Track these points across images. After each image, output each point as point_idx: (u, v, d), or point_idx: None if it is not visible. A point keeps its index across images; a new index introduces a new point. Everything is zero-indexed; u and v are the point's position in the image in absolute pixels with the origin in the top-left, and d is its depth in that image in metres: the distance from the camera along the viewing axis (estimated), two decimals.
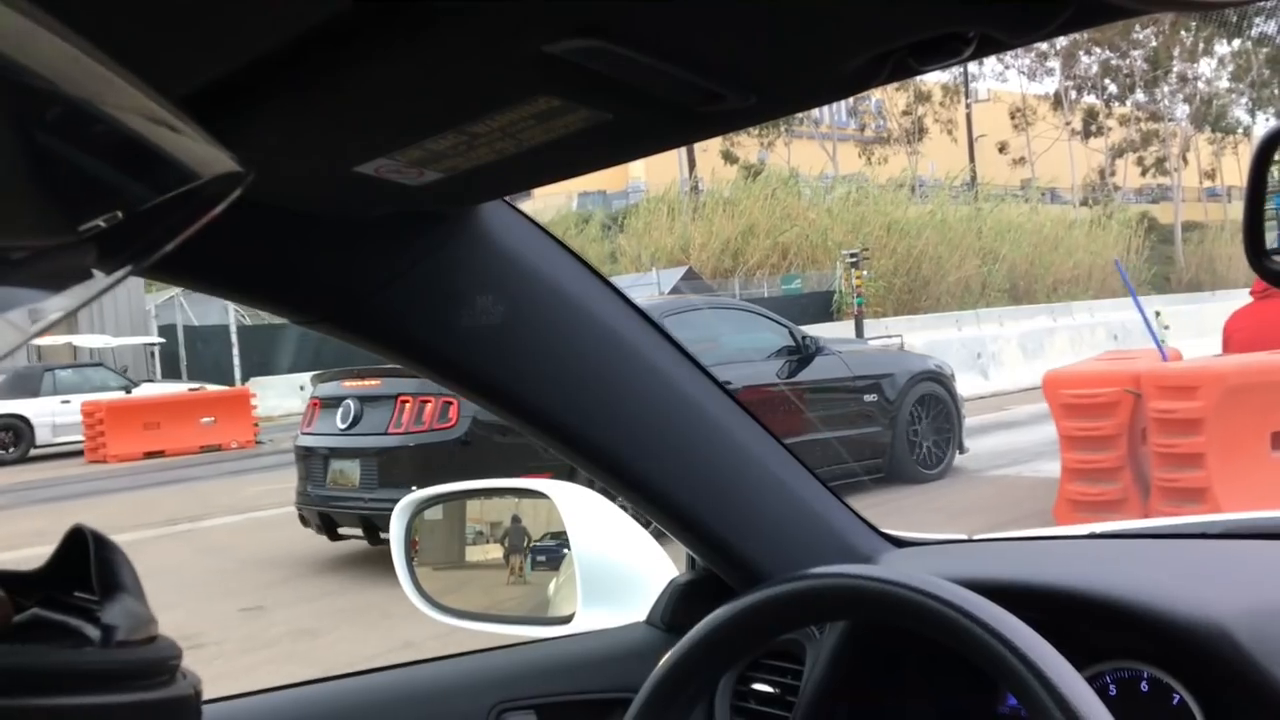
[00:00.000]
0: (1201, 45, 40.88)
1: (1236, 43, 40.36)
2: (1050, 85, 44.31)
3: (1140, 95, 43.05)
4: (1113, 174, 45.51)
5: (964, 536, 1.35)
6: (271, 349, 21.70)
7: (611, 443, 1.11)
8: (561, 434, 1.09)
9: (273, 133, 0.71)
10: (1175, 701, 1.00)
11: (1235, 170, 43.21)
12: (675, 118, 0.69)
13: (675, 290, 21.02)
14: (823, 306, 26.16)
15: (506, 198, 0.99)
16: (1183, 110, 43.10)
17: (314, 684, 1.21)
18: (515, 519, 1.45)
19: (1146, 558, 1.14)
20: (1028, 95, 44.82)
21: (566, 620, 1.33)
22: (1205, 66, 43.48)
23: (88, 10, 0.51)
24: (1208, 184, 47.61)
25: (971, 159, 38.06)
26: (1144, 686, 1.02)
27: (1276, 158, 0.96)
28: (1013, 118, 44.37)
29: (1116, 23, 0.61)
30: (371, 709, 1.19)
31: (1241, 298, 6.82)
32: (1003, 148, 44.61)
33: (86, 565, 0.53)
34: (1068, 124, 43.28)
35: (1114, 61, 42.11)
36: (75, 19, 0.52)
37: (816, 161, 37.02)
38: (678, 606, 1.31)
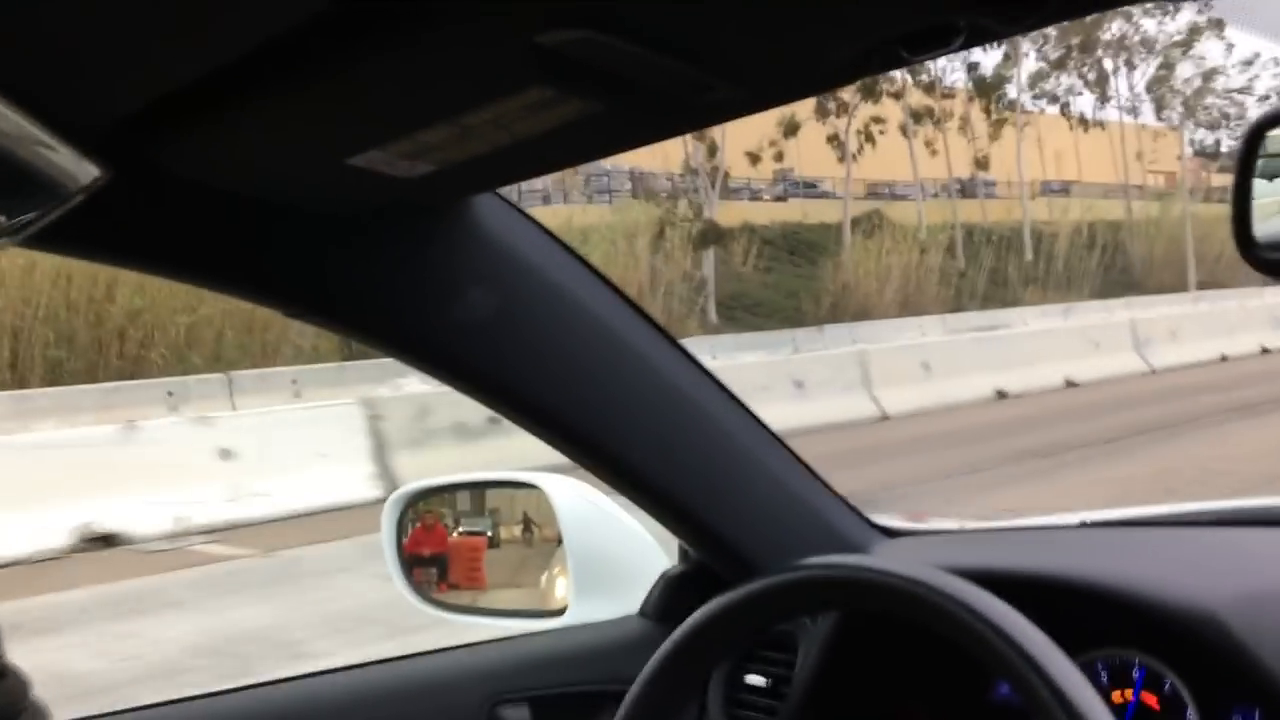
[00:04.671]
0: None
1: None
2: None
3: None
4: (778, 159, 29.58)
5: (955, 526, 1.35)
6: None
7: (603, 435, 1.11)
8: (554, 426, 1.09)
9: (264, 126, 0.70)
10: (1167, 688, 1.00)
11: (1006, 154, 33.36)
12: (667, 108, 0.69)
13: None
14: None
15: (498, 190, 0.99)
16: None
17: (307, 678, 1.21)
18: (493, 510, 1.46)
19: (1138, 546, 1.15)
20: None
21: (559, 613, 1.33)
22: None
23: (81, 5, 0.51)
24: (983, 174, 35.60)
25: None
26: (1136, 674, 1.03)
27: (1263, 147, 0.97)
28: None
29: (1104, 12, 0.61)
30: (365, 703, 1.19)
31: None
32: None
33: None
34: None
35: None
36: (66, 12, 0.51)
37: None
38: (670, 598, 1.31)
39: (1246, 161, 0.93)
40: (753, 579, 0.93)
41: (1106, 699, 0.77)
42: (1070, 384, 13.71)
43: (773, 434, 1.23)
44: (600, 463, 1.13)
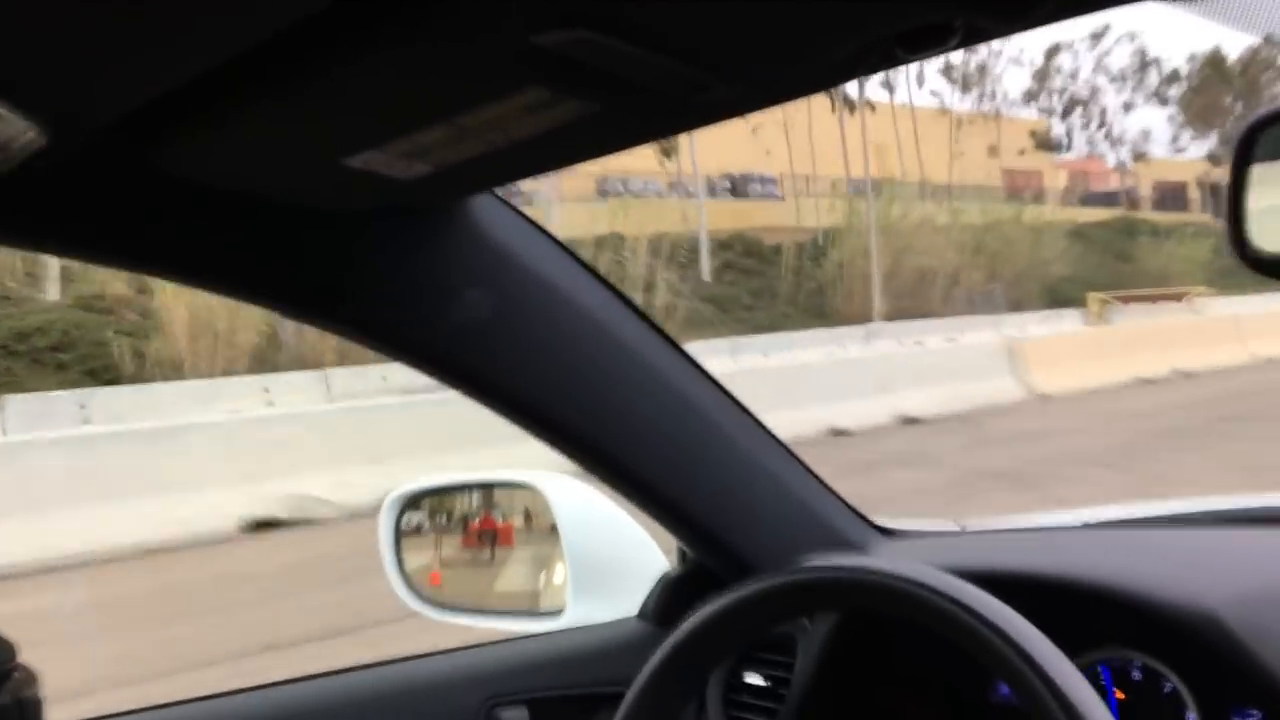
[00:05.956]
0: None
1: None
2: None
3: None
4: None
5: (955, 527, 1.35)
6: None
7: (602, 435, 1.10)
8: (552, 427, 1.08)
9: (260, 127, 0.70)
10: (1167, 689, 1.00)
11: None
12: (665, 108, 0.69)
13: None
14: None
15: (495, 190, 0.99)
16: None
17: (306, 680, 1.21)
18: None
19: (1138, 546, 1.15)
20: None
21: (557, 614, 1.33)
22: None
23: (75, 4, 0.51)
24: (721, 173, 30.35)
25: None
26: (1136, 674, 1.03)
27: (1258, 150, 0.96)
28: None
29: (1100, 11, 0.61)
30: (364, 704, 1.19)
31: None
32: None
33: None
34: None
35: None
36: (61, 11, 0.51)
37: None
38: (669, 600, 1.31)
39: (1240, 165, 0.92)
40: (751, 580, 0.93)
41: (1106, 700, 0.77)
42: None
43: (771, 434, 1.23)
44: (598, 463, 1.13)
